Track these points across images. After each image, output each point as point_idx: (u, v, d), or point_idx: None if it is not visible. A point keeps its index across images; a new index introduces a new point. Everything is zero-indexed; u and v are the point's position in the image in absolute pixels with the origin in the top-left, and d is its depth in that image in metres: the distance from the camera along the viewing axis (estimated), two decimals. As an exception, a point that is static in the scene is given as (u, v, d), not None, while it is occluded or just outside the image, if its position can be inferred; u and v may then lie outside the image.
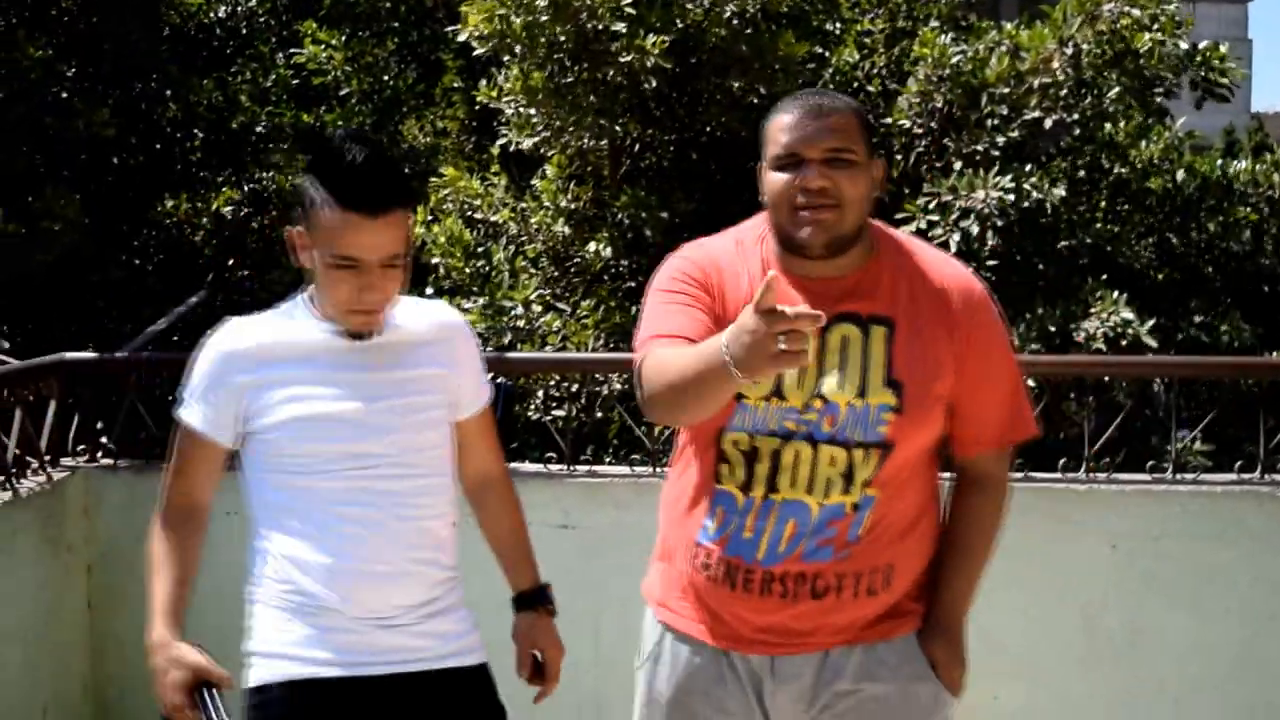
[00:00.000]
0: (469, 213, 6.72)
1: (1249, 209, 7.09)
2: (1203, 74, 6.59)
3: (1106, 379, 5.48)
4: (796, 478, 2.36)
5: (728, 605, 2.44)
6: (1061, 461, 4.20)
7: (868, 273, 2.42)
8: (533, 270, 6.43)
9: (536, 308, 6.14)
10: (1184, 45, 6.48)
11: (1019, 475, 4.16)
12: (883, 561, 2.41)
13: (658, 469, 4.11)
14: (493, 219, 6.64)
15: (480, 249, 6.46)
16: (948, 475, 2.58)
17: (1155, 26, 6.31)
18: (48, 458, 4.28)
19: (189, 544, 2.48)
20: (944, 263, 2.51)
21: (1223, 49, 6.63)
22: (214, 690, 2.30)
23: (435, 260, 6.45)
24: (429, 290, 6.61)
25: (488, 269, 6.33)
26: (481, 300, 6.14)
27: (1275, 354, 6.68)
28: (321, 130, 2.34)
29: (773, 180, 2.40)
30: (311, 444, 2.40)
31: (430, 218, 6.60)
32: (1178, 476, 4.08)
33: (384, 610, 2.43)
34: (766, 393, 2.34)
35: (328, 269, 2.34)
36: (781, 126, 2.40)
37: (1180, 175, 7.02)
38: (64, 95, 7.27)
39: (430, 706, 2.47)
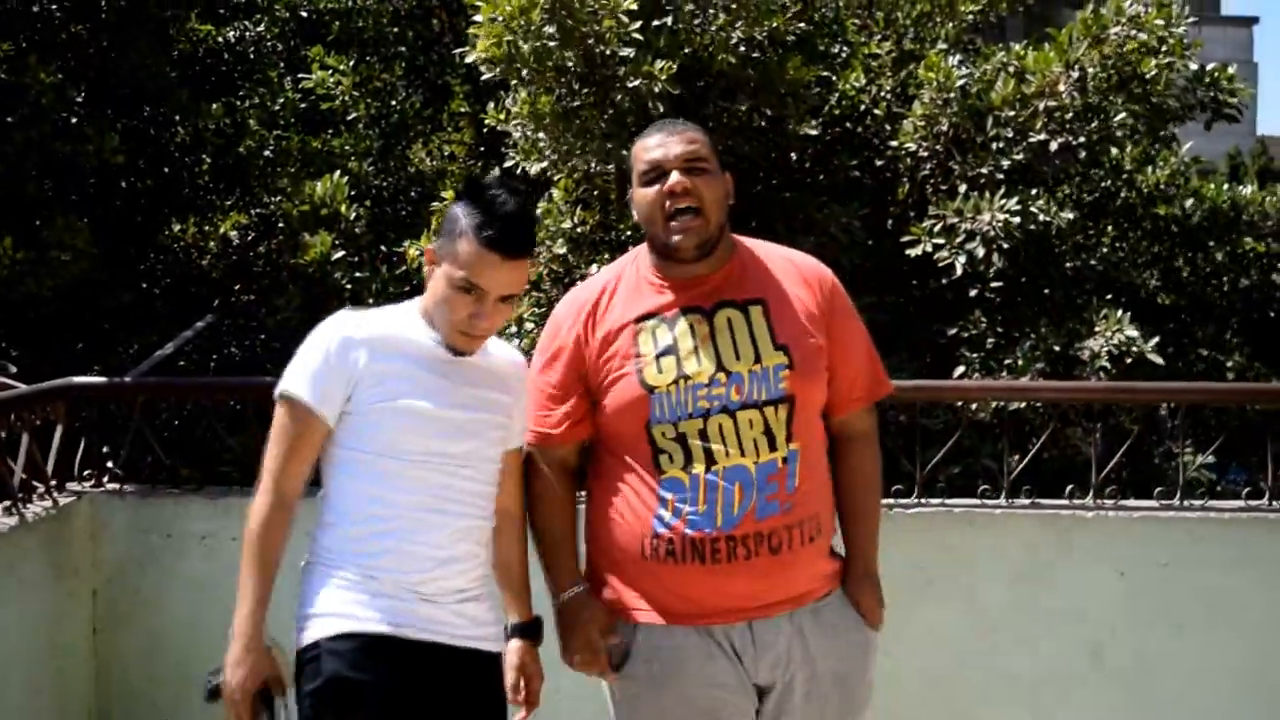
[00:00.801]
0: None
1: (1256, 239, 7.05)
2: (1211, 94, 6.56)
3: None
4: (728, 445, 2.71)
5: (701, 581, 2.72)
6: (1069, 488, 4.18)
7: (732, 268, 2.87)
8: (534, 292, 6.43)
9: (530, 325, 6.13)
10: (1193, 66, 6.44)
11: (1026, 502, 4.15)
12: (814, 510, 2.79)
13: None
14: (496, 243, 6.63)
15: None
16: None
17: (1163, 49, 6.27)
18: (54, 482, 4.27)
19: (285, 537, 2.68)
20: (795, 253, 2.99)
21: (1231, 69, 6.60)
22: (277, 699, 2.62)
23: (435, 283, 6.45)
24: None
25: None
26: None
27: (1282, 380, 6.65)
28: (480, 176, 2.74)
29: (643, 195, 2.82)
30: (413, 435, 2.68)
31: (432, 244, 6.60)
32: (1185, 503, 4.06)
33: (431, 590, 2.69)
34: (672, 378, 2.75)
35: (453, 289, 2.67)
36: (645, 148, 2.84)
37: (1188, 204, 6.98)
38: (73, 121, 7.27)
39: (452, 679, 2.71)
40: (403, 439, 2.68)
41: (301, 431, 2.68)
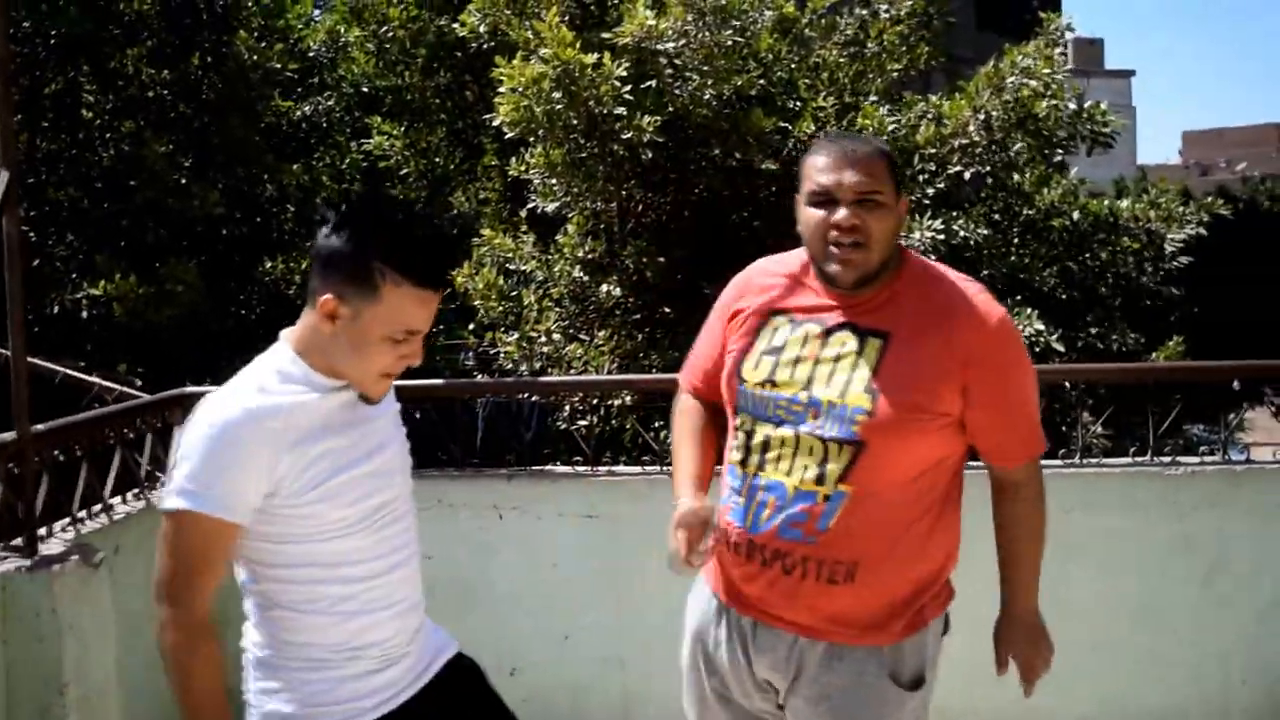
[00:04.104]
0: (504, 264, 6.70)
1: (1131, 239, 7.02)
2: (1089, 127, 6.53)
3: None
4: (780, 460, 2.17)
5: (729, 564, 2.28)
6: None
7: (878, 294, 2.20)
8: (557, 308, 6.39)
9: (557, 337, 6.09)
10: (1073, 105, 6.43)
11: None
12: (848, 557, 2.16)
13: (664, 467, 4.04)
14: (523, 268, 6.62)
15: (513, 293, 6.44)
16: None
17: (1049, 93, 6.26)
18: (173, 474, 4.22)
19: (220, 659, 1.96)
20: (962, 294, 2.21)
21: (1104, 105, 6.58)
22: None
23: (476, 304, 6.44)
24: (470, 327, 6.57)
25: (519, 309, 6.31)
26: (515, 335, 6.13)
27: (1157, 356, 6.61)
28: (375, 206, 2.06)
29: (808, 215, 2.19)
30: (352, 506, 1.99)
31: (474, 271, 6.57)
32: (1084, 461, 3.99)
33: (402, 643, 2.11)
34: (762, 379, 2.22)
35: (385, 341, 1.94)
36: (817, 166, 2.18)
37: (1076, 215, 6.95)
38: (182, 181, 7.27)
39: (447, 703, 2.19)
40: (343, 513, 1.98)
41: (217, 546, 1.92)
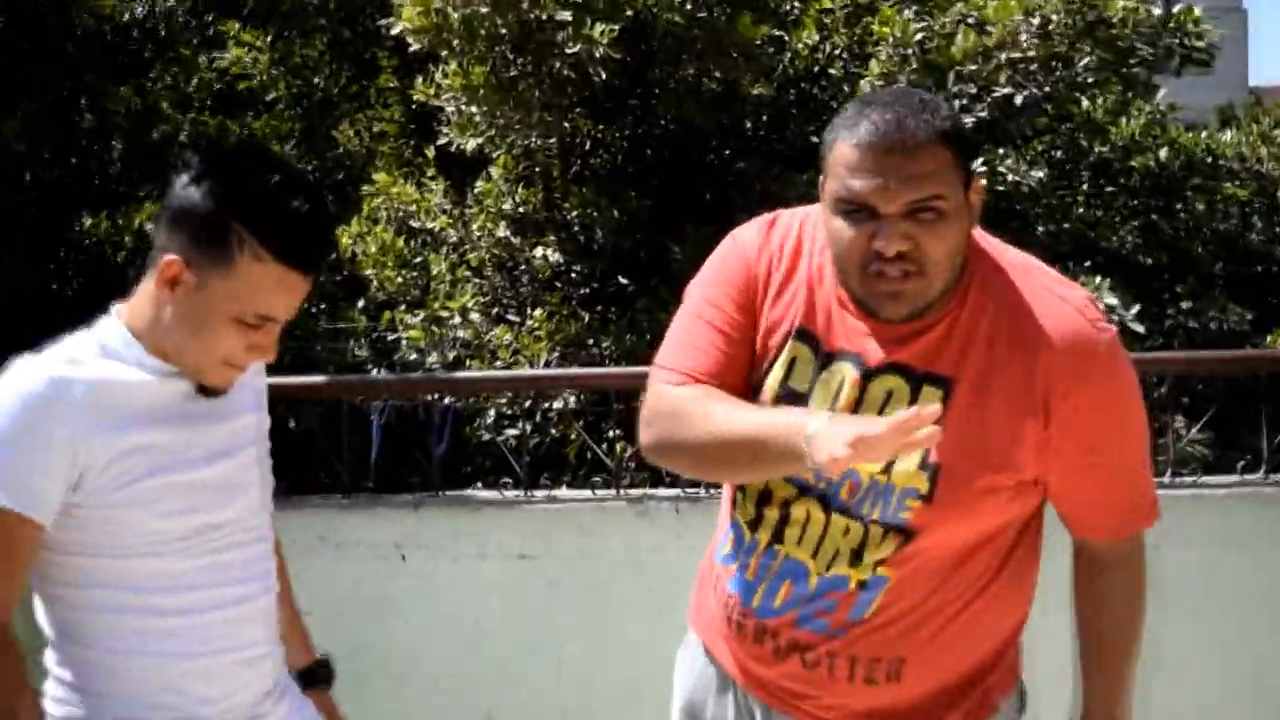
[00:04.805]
0: (406, 220, 6.67)
1: (1236, 185, 7.08)
2: (1178, 39, 6.55)
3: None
4: (804, 537, 2.10)
5: (731, 640, 2.23)
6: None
7: (940, 319, 2.05)
8: (476, 280, 6.37)
9: (477, 317, 6.08)
10: (1157, 11, 6.45)
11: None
12: (890, 653, 2.10)
13: (621, 492, 4.04)
14: (430, 226, 6.59)
15: (417, 259, 6.42)
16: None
17: (1126, -7, 6.29)
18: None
19: (21, 674, 2.04)
20: (1052, 310, 2.04)
21: (1197, 11, 6.59)
22: None
23: (368, 274, 6.41)
24: (360, 304, 6.56)
25: (426, 281, 6.29)
26: (421, 315, 6.10)
27: (1271, 340, 6.66)
28: (248, 159, 2.04)
29: (836, 230, 2.00)
30: (167, 518, 2.03)
31: (365, 229, 6.53)
32: (1176, 479, 4.01)
33: (248, 703, 2.14)
34: None
35: (231, 322, 2.00)
36: (847, 162, 1.96)
37: (1164, 153, 7.00)
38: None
39: None
40: (160, 526, 2.03)
41: (12, 545, 1.98)
